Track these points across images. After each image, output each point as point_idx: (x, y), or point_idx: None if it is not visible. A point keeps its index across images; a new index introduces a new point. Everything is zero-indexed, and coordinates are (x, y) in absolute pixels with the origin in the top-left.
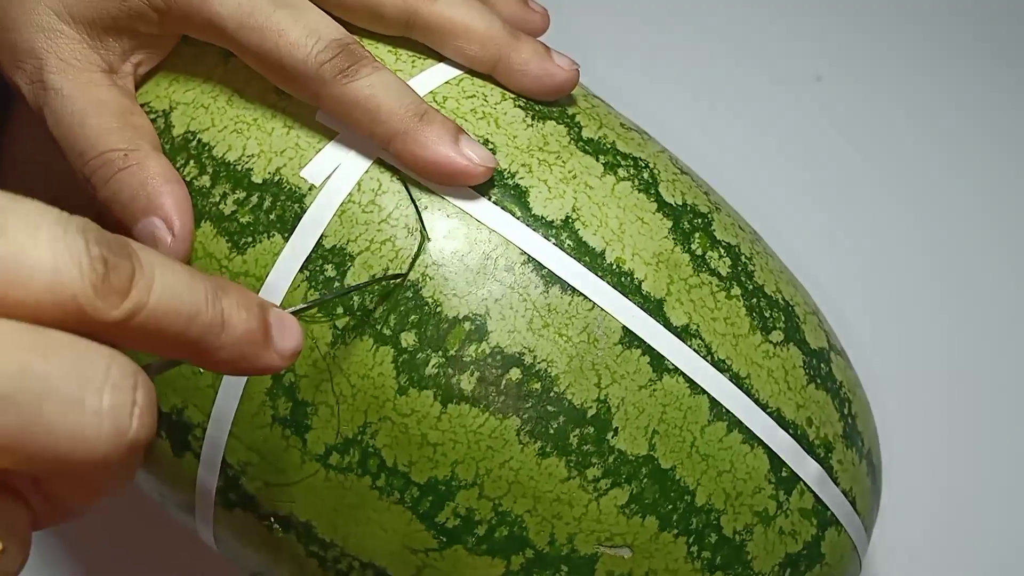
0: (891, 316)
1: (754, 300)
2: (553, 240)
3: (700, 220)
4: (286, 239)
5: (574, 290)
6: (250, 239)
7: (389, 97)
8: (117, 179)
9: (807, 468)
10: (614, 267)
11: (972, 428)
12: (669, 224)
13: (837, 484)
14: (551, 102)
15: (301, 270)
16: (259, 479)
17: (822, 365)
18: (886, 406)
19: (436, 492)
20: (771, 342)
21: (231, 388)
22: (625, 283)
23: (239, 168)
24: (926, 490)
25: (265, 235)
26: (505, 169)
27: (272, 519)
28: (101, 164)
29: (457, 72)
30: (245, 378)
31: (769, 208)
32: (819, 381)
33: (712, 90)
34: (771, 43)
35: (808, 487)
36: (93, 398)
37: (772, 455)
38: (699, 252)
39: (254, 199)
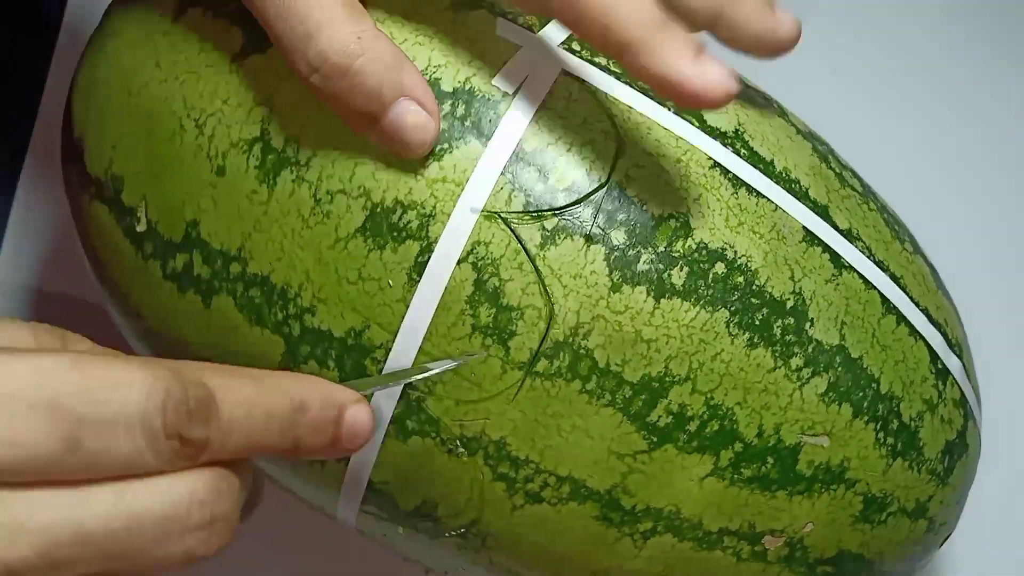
0: None
1: (885, 215)
2: (731, 148)
3: (825, 147)
4: (484, 144)
5: (758, 192)
6: (446, 145)
7: (629, 3)
8: (359, 68)
9: (952, 363)
10: (783, 175)
11: None
12: (809, 146)
13: (970, 381)
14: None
15: (503, 173)
16: (449, 397)
17: (941, 277)
18: None
19: (649, 390)
20: (907, 251)
21: (427, 297)
22: (795, 189)
23: (427, 77)
24: None
25: (462, 141)
26: None
27: (458, 442)
28: (339, 52)
29: None
30: (443, 287)
31: None
32: (943, 290)
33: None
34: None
35: (955, 380)
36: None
37: (930, 348)
38: (837, 170)
39: (447, 107)
